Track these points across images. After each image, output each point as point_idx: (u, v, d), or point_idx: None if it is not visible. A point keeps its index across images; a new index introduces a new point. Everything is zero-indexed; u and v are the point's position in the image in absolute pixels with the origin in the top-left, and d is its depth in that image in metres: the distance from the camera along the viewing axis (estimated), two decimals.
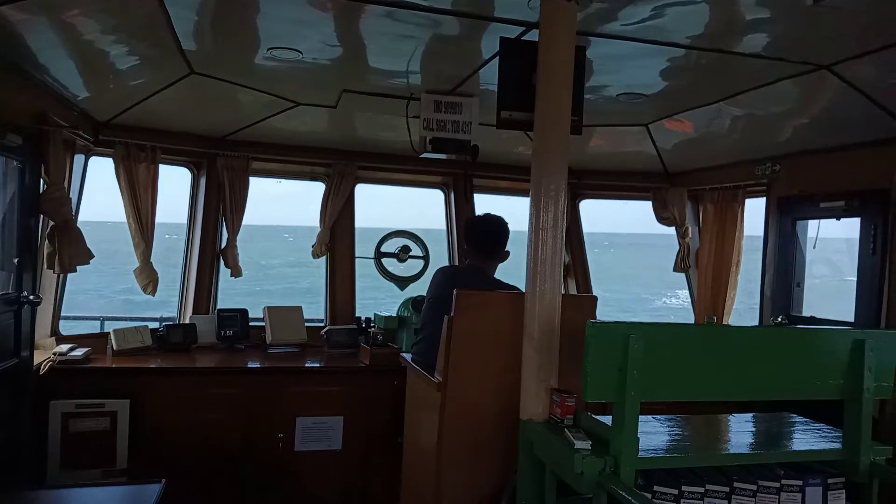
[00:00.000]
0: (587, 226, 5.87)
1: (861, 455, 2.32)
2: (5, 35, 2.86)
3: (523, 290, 3.33)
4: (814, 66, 3.15)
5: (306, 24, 2.98)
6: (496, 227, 3.57)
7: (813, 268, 4.53)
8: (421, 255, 5.42)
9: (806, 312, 4.43)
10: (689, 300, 5.58)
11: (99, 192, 4.42)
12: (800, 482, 2.27)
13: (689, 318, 5.50)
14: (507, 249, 3.56)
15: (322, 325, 5.19)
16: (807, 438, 2.53)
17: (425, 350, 3.38)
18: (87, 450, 3.85)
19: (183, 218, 5.04)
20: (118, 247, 4.64)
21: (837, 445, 2.40)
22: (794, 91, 3.49)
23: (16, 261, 3.46)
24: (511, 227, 3.59)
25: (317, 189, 5.27)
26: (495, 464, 2.87)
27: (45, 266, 3.80)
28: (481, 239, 3.56)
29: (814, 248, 4.42)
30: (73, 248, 3.75)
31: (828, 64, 3.12)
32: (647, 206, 5.58)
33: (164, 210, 4.63)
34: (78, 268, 3.83)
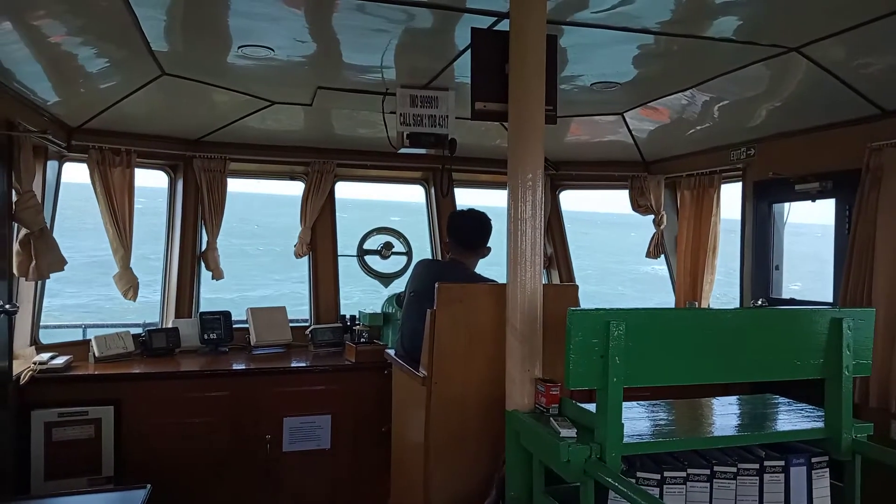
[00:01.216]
0: (569, 206, 5.88)
1: (843, 433, 2.34)
2: None
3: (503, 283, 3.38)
4: (783, 48, 3.18)
5: (277, 21, 2.96)
6: (479, 222, 3.58)
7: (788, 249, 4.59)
8: (404, 251, 5.42)
9: (786, 294, 4.48)
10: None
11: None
12: (782, 462, 2.28)
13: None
14: (488, 246, 3.58)
15: (307, 324, 5.16)
16: (790, 419, 2.56)
17: (409, 343, 3.39)
18: (72, 458, 3.81)
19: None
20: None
21: (820, 424, 2.43)
22: (765, 74, 3.52)
23: None
24: (493, 221, 3.60)
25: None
26: (483, 455, 2.88)
27: (16, 274, 3.73)
28: (464, 233, 3.56)
29: (784, 224, 4.47)
30: (49, 256, 3.69)
31: (797, 46, 3.15)
32: (623, 194, 5.60)
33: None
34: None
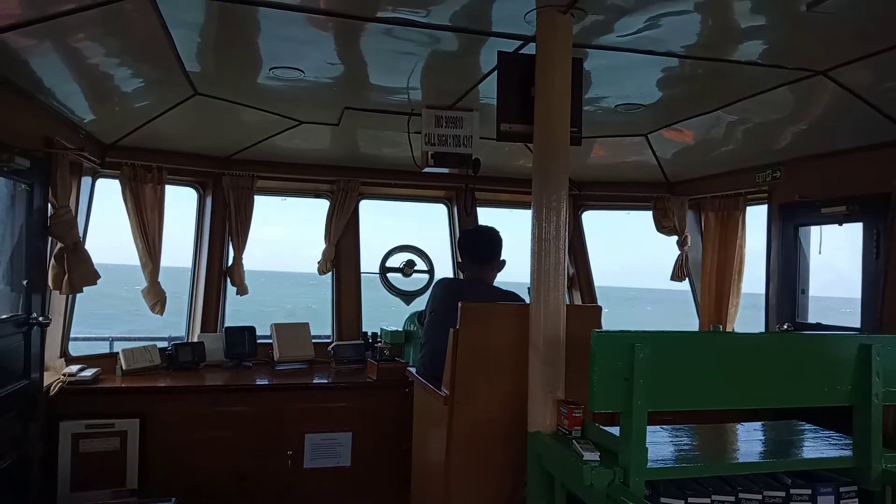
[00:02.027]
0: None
1: (872, 462, 2.30)
2: (12, 60, 2.91)
3: (522, 296, 3.40)
4: (810, 72, 3.18)
5: (307, 44, 3.03)
6: (489, 236, 3.67)
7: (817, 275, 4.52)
8: (426, 269, 5.44)
9: (812, 319, 4.42)
10: None
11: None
12: (809, 491, 2.25)
13: None
14: (503, 259, 3.62)
15: (329, 340, 5.20)
16: (816, 446, 2.52)
17: (430, 363, 3.41)
18: (98, 470, 3.85)
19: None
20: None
21: (848, 453, 2.39)
22: (791, 97, 3.51)
23: (25, 282, 3.49)
24: (514, 239, 3.63)
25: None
26: (504, 476, 2.86)
27: (51, 287, 3.83)
28: (476, 248, 3.64)
29: (819, 253, 4.41)
30: (81, 270, 3.78)
31: (824, 69, 3.14)
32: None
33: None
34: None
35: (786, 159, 4.39)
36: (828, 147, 4.06)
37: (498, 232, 3.68)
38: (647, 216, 5.54)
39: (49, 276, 3.73)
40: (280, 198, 5.47)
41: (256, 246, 5.00)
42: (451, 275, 5.42)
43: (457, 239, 5.25)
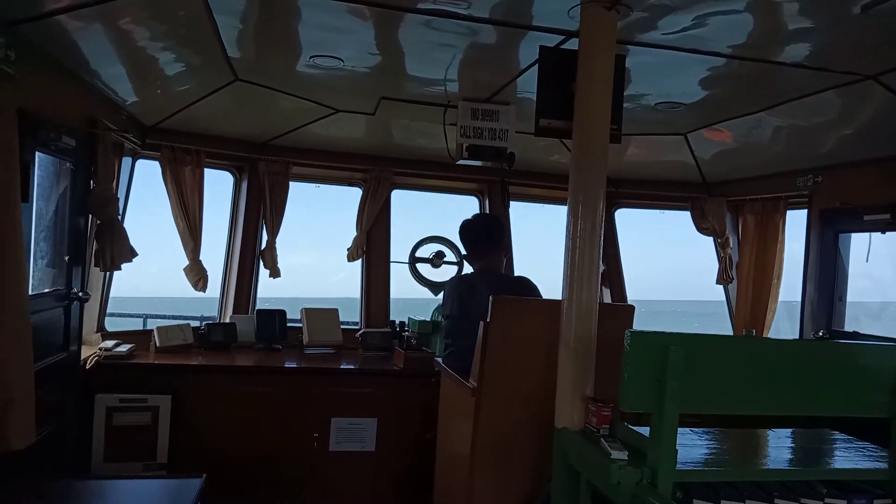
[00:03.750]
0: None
1: None
2: (62, 42, 2.98)
3: (529, 279, 3.42)
4: (859, 76, 3.09)
5: (347, 33, 3.04)
6: (485, 220, 3.81)
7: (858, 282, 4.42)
8: (455, 260, 5.45)
9: (848, 327, 4.33)
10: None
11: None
12: (844, 502, 2.21)
13: None
14: (506, 244, 3.63)
15: (357, 327, 5.25)
16: (850, 456, 2.47)
17: (456, 362, 3.43)
18: (130, 443, 3.95)
19: None
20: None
21: (883, 465, 2.34)
22: (837, 102, 3.43)
23: (66, 258, 3.59)
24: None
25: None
26: (528, 470, 2.88)
27: (92, 264, 3.93)
28: (472, 233, 3.72)
29: (867, 261, 4.30)
30: (117, 246, 3.86)
31: (874, 74, 3.06)
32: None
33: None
34: None
35: (828, 164, 4.29)
36: (873, 153, 3.95)
37: (497, 218, 3.75)
38: (676, 216, 5.48)
39: (91, 253, 3.83)
40: (314, 185, 5.52)
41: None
42: None
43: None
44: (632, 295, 5.81)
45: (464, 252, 3.75)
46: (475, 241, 3.67)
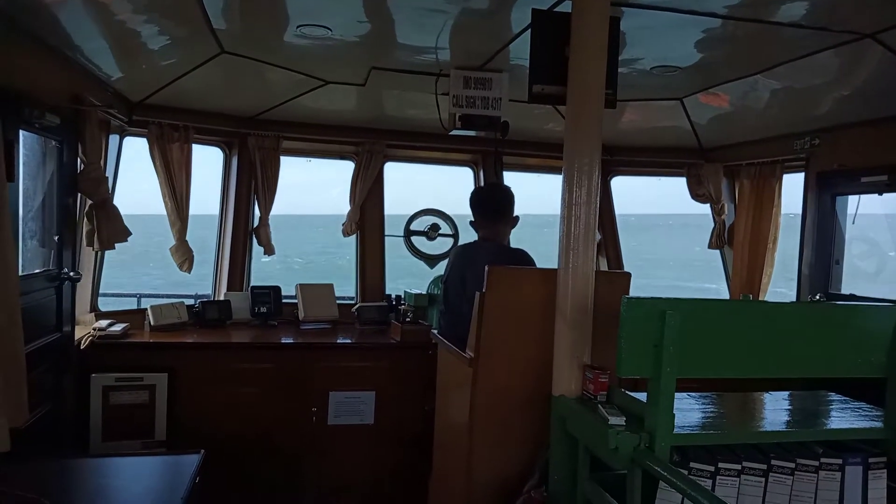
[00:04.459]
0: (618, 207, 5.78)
1: None
2: (42, 17, 2.90)
3: (526, 251, 3.43)
4: (857, 34, 3.04)
5: (335, 0, 2.97)
6: (497, 191, 3.74)
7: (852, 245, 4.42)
8: (450, 233, 5.43)
9: (845, 290, 4.33)
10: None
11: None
12: (839, 461, 2.22)
13: None
14: (516, 215, 3.63)
15: (353, 302, 5.24)
16: (846, 417, 2.48)
17: (450, 326, 3.49)
18: (128, 422, 3.97)
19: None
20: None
21: (879, 424, 2.35)
22: (835, 62, 3.37)
23: (56, 238, 3.55)
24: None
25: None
26: (527, 439, 2.88)
27: (84, 243, 3.88)
28: (483, 203, 3.68)
29: (853, 223, 4.30)
30: (111, 226, 3.83)
31: (872, 32, 3.00)
32: (679, 182, 5.49)
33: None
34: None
35: (826, 126, 4.25)
36: (870, 114, 3.91)
37: (509, 188, 3.70)
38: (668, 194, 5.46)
39: (82, 233, 3.79)
40: (305, 159, 5.45)
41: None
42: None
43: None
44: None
45: (471, 219, 3.75)
46: (483, 210, 3.66)
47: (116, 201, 4.05)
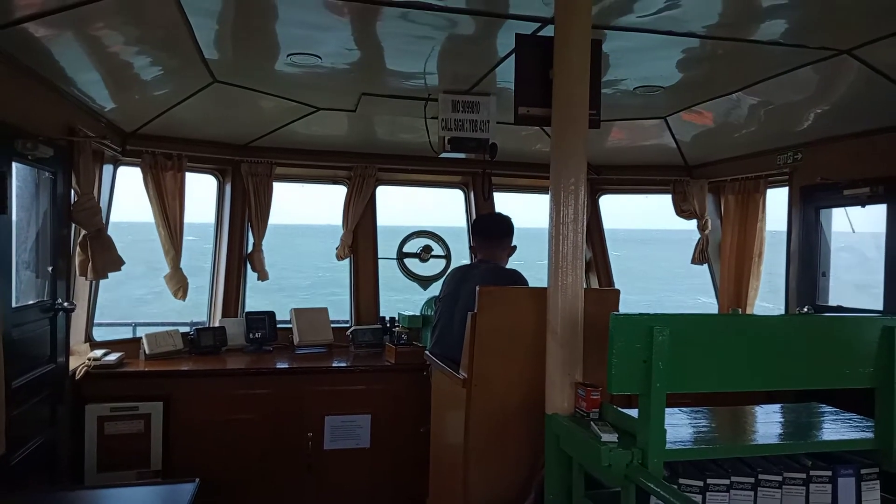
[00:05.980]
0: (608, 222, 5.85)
1: (895, 444, 2.28)
2: (35, 50, 2.95)
3: (520, 273, 3.54)
4: (834, 51, 3.11)
5: (324, 30, 3.03)
6: (497, 217, 3.95)
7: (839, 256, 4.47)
8: (443, 254, 5.46)
9: (833, 301, 4.37)
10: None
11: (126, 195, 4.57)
12: (829, 473, 2.23)
13: None
14: (514, 245, 3.81)
15: (347, 325, 5.24)
16: (837, 428, 2.50)
17: (441, 343, 3.59)
18: (123, 452, 3.95)
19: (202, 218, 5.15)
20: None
21: (870, 435, 2.37)
22: (814, 77, 3.45)
23: (50, 269, 3.56)
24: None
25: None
26: (522, 458, 2.89)
27: (77, 273, 3.90)
28: (483, 227, 3.89)
29: (853, 231, 4.33)
30: (105, 256, 3.85)
31: (848, 48, 3.08)
32: (664, 199, 5.55)
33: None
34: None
35: (808, 141, 4.33)
36: (851, 128, 3.99)
37: (510, 218, 3.88)
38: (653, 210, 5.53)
39: (76, 263, 3.80)
40: (298, 184, 5.50)
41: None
42: (467, 261, 5.44)
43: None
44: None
45: (472, 243, 3.98)
46: (481, 234, 3.85)
47: (115, 217, 4.08)
